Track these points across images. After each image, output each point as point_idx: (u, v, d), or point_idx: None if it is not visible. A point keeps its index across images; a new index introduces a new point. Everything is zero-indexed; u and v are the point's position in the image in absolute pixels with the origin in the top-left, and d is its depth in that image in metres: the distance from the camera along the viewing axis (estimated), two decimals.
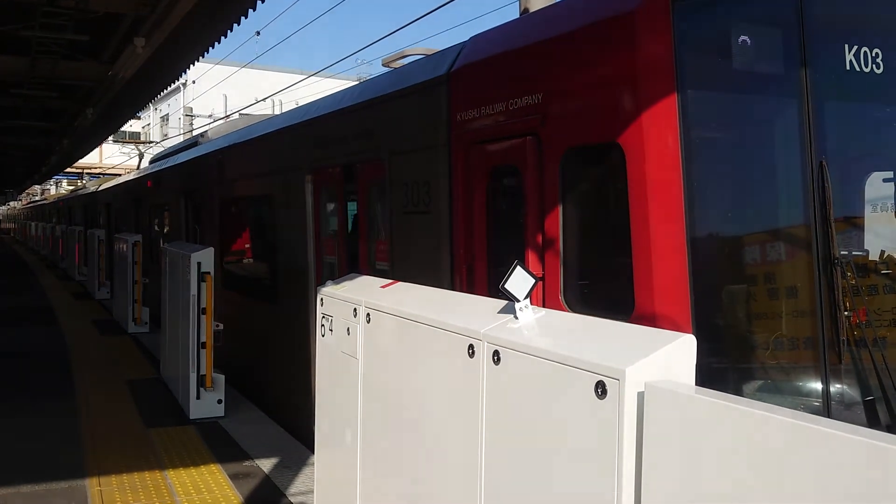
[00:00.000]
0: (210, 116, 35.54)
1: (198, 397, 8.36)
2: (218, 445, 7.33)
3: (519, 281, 2.77)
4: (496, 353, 2.75)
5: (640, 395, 2.15)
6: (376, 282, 4.30)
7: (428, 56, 6.45)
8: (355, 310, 3.99)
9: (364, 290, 4.15)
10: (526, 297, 2.79)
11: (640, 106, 3.82)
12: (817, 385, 4.04)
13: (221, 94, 41.96)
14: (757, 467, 1.78)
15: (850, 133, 4.42)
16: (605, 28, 4.10)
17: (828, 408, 4.01)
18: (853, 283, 4.10)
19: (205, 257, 8.37)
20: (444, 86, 5.41)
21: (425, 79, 5.72)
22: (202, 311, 8.34)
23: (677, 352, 2.24)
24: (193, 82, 40.94)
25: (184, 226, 13.40)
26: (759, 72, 4.08)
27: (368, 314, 3.85)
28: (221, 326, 8.81)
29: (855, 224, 4.45)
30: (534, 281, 2.79)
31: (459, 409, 2.98)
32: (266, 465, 6.72)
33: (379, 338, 3.75)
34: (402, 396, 3.51)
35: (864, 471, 1.52)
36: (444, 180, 5.38)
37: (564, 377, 2.40)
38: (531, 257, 4.58)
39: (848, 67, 4.19)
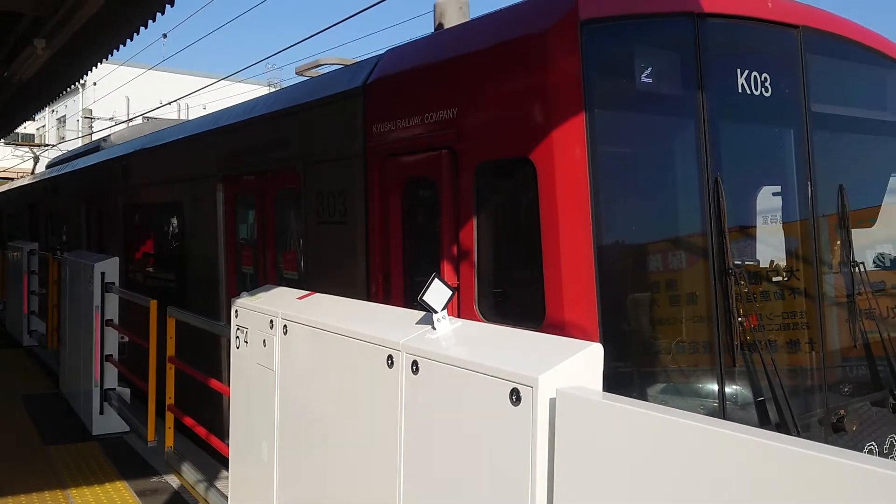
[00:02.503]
0: (111, 119, 34.18)
1: (101, 412, 8.06)
2: (124, 461, 7.09)
3: (436, 292, 2.86)
4: (415, 363, 2.83)
5: (552, 402, 2.27)
6: (293, 293, 4.30)
7: (345, 67, 6.48)
8: (272, 321, 3.98)
9: (280, 301, 4.15)
10: (443, 309, 2.88)
11: (550, 123, 3.98)
12: (714, 387, 4.30)
13: (123, 96, 40.43)
14: (660, 468, 1.93)
15: (742, 150, 4.73)
16: (517, 47, 4.26)
17: (723, 408, 4.27)
18: (745, 290, 4.39)
19: (109, 267, 8.10)
20: (360, 98, 5.46)
21: (341, 90, 5.75)
22: (107, 322, 8.06)
23: (587, 360, 2.38)
24: (94, 84, 39.26)
25: (84, 234, 12.88)
26: (660, 92, 4.33)
27: (285, 326, 3.85)
28: (127, 338, 8.53)
29: (747, 234, 4.77)
30: (451, 293, 2.88)
31: (378, 419, 3.04)
32: (175, 480, 6.55)
33: (296, 349, 3.76)
34: (321, 407, 3.53)
35: (761, 470, 1.68)
36: (359, 191, 5.42)
37: (481, 385, 2.49)
38: (446, 267, 4.69)
39: (740, 90, 4.49)
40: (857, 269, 4.90)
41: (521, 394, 2.33)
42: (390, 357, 2.97)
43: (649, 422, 1.95)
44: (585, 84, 3.93)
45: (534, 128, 4.07)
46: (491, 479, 2.47)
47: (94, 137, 27.69)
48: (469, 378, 2.56)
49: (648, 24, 4.31)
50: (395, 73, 5.29)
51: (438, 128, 4.70)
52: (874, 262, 5.34)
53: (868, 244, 5.28)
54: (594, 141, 3.94)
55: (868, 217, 5.36)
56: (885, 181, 5.57)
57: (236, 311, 4.44)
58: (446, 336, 2.84)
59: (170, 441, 6.34)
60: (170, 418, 6.29)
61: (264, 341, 4.04)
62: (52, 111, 48.53)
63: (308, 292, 4.15)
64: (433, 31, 6.12)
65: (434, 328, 2.91)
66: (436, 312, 2.87)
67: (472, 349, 2.69)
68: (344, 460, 3.31)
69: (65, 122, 48.15)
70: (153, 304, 6.66)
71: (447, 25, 5.86)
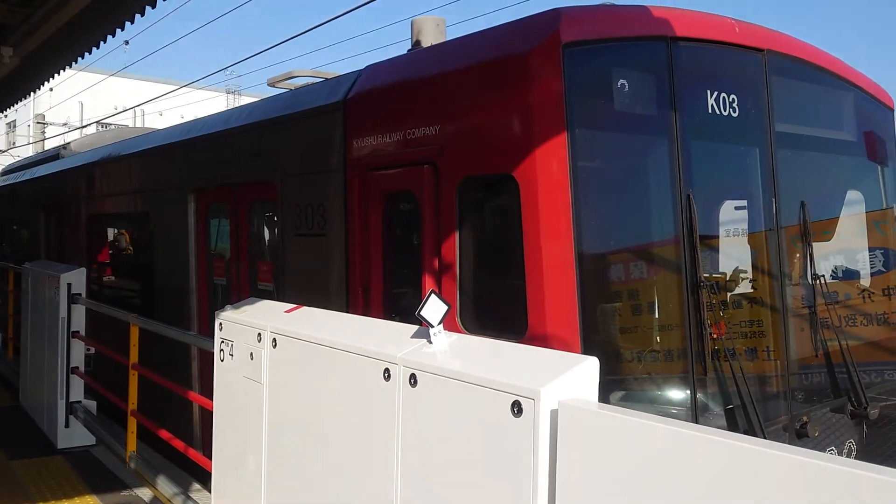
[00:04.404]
0: (65, 125, 33.43)
1: (66, 425, 7.94)
2: (92, 475, 6.99)
3: (433, 307, 2.95)
4: (413, 376, 2.91)
5: (554, 413, 2.38)
6: (279, 306, 4.34)
7: (324, 81, 6.54)
8: (259, 335, 4.02)
9: (267, 314, 4.18)
10: (440, 323, 2.97)
11: (533, 141, 4.12)
12: (686, 395, 4.47)
13: (77, 101, 39.56)
14: (662, 478, 2.05)
15: (712, 168, 4.93)
16: (501, 67, 4.38)
17: (695, 416, 4.44)
18: (714, 302, 4.57)
19: (76, 278, 7.99)
20: (341, 112, 5.53)
21: (321, 104, 5.81)
22: (73, 334, 7.95)
23: (583, 373, 2.49)
24: (51, 90, 38.32)
25: (44, 243, 12.63)
26: (636, 112, 4.50)
27: (275, 339, 3.90)
28: (93, 350, 8.41)
29: (715, 247, 4.97)
30: (447, 308, 2.97)
31: (374, 431, 3.11)
32: (146, 493, 6.49)
33: (287, 362, 3.81)
34: (312, 420, 3.58)
35: (754, 477, 1.81)
36: (339, 204, 5.48)
37: (482, 397, 2.59)
38: (427, 279, 4.78)
39: (710, 111, 4.69)
40: (818, 280, 5.13)
41: (523, 406, 2.43)
42: (387, 370, 3.04)
43: (652, 433, 2.07)
44: (567, 104, 4.07)
45: (517, 146, 4.20)
46: (491, 490, 2.56)
47: (48, 143, 27.07)
48: (469, 390, 2.65)
49: (625, 48, 4.48)
50: (376, 89, 5.38)
51: (420, 144, 4.80)
52: (832, 273, 5.60)
53: (826, 254, 5.54)
54: (575, 158, 4.09)
55: (824, 229, 5.62)
56: (843, 195, 5.85)
57: (220, 324, 4.45)
58: (443, 350, 2.93)
59: (132, 446, 6.55)
60: (132, 423, 6.59)
61: (251, 354, 4.07)
62: (3, 115, 47.15)
63: (295, 305, 4.19)
64: (410, 47, 6.22)
65: (430, 342, 2.99)
66: (433, 327, 2.96)
67: (471, 362, 2.78)
68: (338, 472, 3.36)
69: (15, 126, 46.87)
70: (135, 328, 6.63)
71: (424, 43, 5.97)
